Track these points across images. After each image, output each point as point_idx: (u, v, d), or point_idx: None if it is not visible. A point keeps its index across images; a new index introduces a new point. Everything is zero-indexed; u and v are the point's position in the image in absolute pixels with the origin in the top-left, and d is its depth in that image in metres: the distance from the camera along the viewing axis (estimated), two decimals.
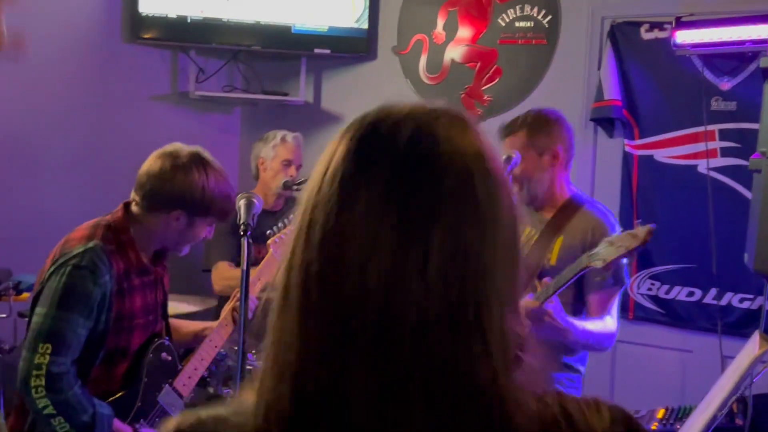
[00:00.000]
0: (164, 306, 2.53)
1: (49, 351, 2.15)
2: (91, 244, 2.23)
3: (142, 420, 2.42)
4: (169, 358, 2.50)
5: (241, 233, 2.03)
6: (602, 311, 2.62)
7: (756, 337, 1.93)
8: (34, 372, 2.16)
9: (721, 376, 2.04)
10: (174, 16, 4.13)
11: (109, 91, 4.08)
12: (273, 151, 3.90)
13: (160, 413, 2.46)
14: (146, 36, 4.14)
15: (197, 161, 2.35)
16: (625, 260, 2.35)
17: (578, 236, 2.65)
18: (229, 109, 4.74)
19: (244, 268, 1.93)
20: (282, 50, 4.37)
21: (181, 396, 2.50)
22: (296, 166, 3.90)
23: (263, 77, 4.56)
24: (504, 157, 2.55)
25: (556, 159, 2.70)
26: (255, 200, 2.14)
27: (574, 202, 2.76)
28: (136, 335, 2.36)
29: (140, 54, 4.22)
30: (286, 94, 4.49)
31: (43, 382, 2.15)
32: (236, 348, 3.22)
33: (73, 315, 2.17)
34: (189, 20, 4.15)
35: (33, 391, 2.15)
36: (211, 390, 3.04)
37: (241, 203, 2.13)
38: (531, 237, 2.77)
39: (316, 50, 4.31)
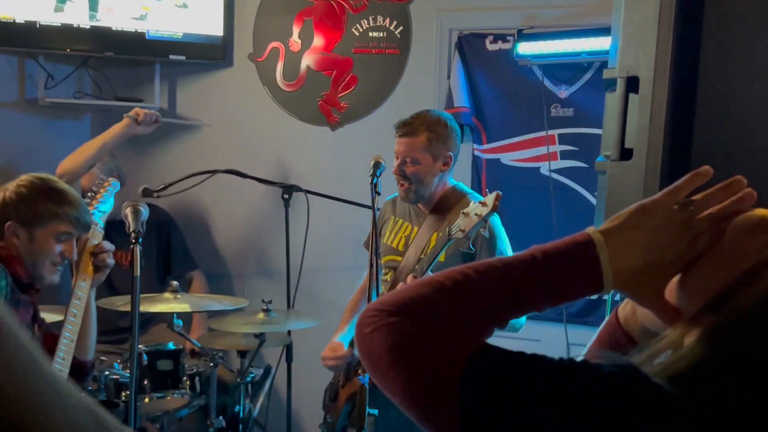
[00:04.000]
0: (32, 329, 2.51)
1: None
2: None
3: None
4: None
5: (132, 240, 2.05)
6: None
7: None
8: None
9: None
10: (22, 20, 4.01)
11: None
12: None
13: None
14: None
15: (20, 180, 2.44)
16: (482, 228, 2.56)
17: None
18: (79, 115, 4.63)
19: (137, 274, 1.96)
20: (136, 56, 4.33)
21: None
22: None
23: (116, 83, 4.49)
24: (373, 162, 2.69)
25: (447, 165, 2.91)
26: (141, 207, 2.16)
27: (457, 192, 2.97)
28: None
29: None
30: (140, 101, 4.44)
31: None
32: (102, 358, 3.20)
33: None
34: (38, 25, 4.03)
35: None
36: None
37: (128, 211, 2.15)
38: (410, 231, 2.98)
39: (171, 56, 4.29)
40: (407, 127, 2.90)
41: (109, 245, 2.53)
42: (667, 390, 0.84)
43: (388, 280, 3.02)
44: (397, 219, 3.09)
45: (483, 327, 0.97)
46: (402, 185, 2.94)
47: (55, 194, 2.43)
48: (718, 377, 0.85)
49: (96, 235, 2.56)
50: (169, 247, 4.07)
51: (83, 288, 2.47)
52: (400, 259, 2.99)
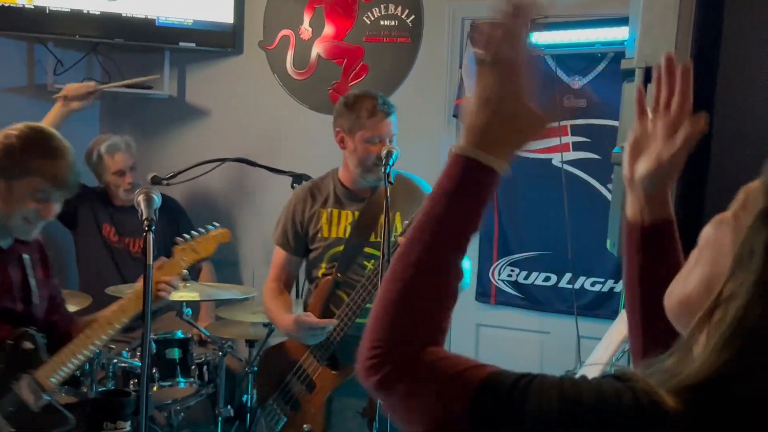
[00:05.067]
0: (26, 288, 2.45)
1: None
2: None
3: None
4: (32, 347, 2.42)
5: (145, 228, 2.03)
6: None
7: (624, 314, 2.12)
8: None
9: (594, 350, 2.23)
10: (31, 6, 3.99)
11: None
12: (98, 169, 3.91)
13: (13, 403, 2.38)
14: (1, 26, 3.98)
15: (13, 127, 2.33)
16: None
17: (415, 202, 2.86)
18: None
19: (150, 262, 1.94)
20: (145, 43, 4.31)
21: (43, 389, 2.37)
22: (128, 170, 3.89)
23: (125, 70, 4.47)
24: (385, 151, 2.66)
25: None
26: (154, 195, 2.15)
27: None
28: None
29: None
30: (149, 88, 4.42)
31: None
32: (111, 345, 3.18)
33: None
34: (48, 11, 4.01)
35: None
36: (84, 389, 2.99)
37: (140, 198, 2.13)
38: (352, 217, 2.92)
39: (181, 43, 4.27)
40: (388, 106, 2.87)
41: (176, 285, 2.50)
42: (664, 403, 0.83)
43: (332, 275, 2.92)
44: (330, 210, 2.97)
45: (445, 279, 1.02)
46: (381, 167, 2.77)
47: (41, 149, 2.31)
48: (725, 387, 0.83)
49: (172, 266, 2.54)
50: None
51: (136, 304, 2.43)
52: (342, 248, 2.92)
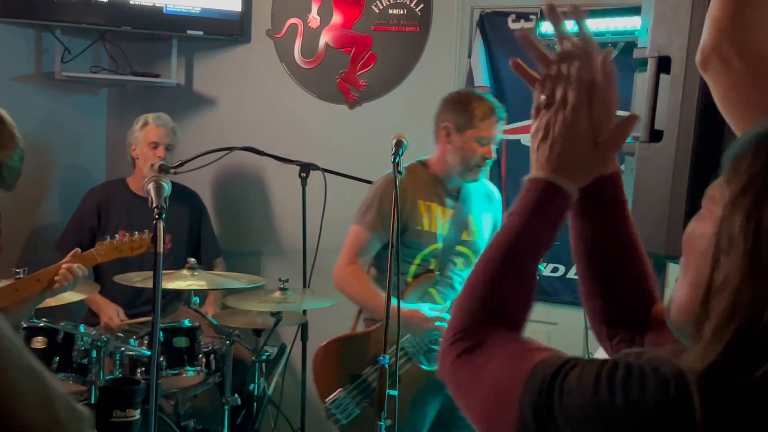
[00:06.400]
0: None
1: None
2: None
3: None
4: None
5: (156, 216, 2.02)
6: None
7: None
8: None
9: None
10: None
11: None
12: (138, 135, 3.91)
13: None
14: (8, 13, 3.96)
15: None
16: None
17: (491, 206, 3.14)
18: (96, 90, 4.60)
19: (160, 250, 1.93)
20: (153, 31, 4.29)
21: None
22: (164, 147, 3.89)
23: (133, 58, 4.46)
24: (395, 141, 2.65)
25: None
26: (164, 183, 2.14)
27: None
28: None
29: (2, 32, 4.03)
30: (157, 76, 4.41)
31: None
32: (119, 334, 3.18)
33: None
34: None
35: None
36: (91, 377, 2.99)
37: (150, 186, 2.12)
38: (447, 215, 2.96)
39: (189, 32, 4.25)
40: (502, 111, 2.99)
41: (77, 272, 2.46)
42: (690, 391, 0.83)
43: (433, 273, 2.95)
44: (428, 204, 2.99)
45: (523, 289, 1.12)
46: (482, 168, 3.01)
47: None
48: (726, 372, 0.84)
49: (85, 257, 2.52)
50: (200, 236, 4.06)
51: (35, 286, 2.42)
52: (439, 245, 2.95)
